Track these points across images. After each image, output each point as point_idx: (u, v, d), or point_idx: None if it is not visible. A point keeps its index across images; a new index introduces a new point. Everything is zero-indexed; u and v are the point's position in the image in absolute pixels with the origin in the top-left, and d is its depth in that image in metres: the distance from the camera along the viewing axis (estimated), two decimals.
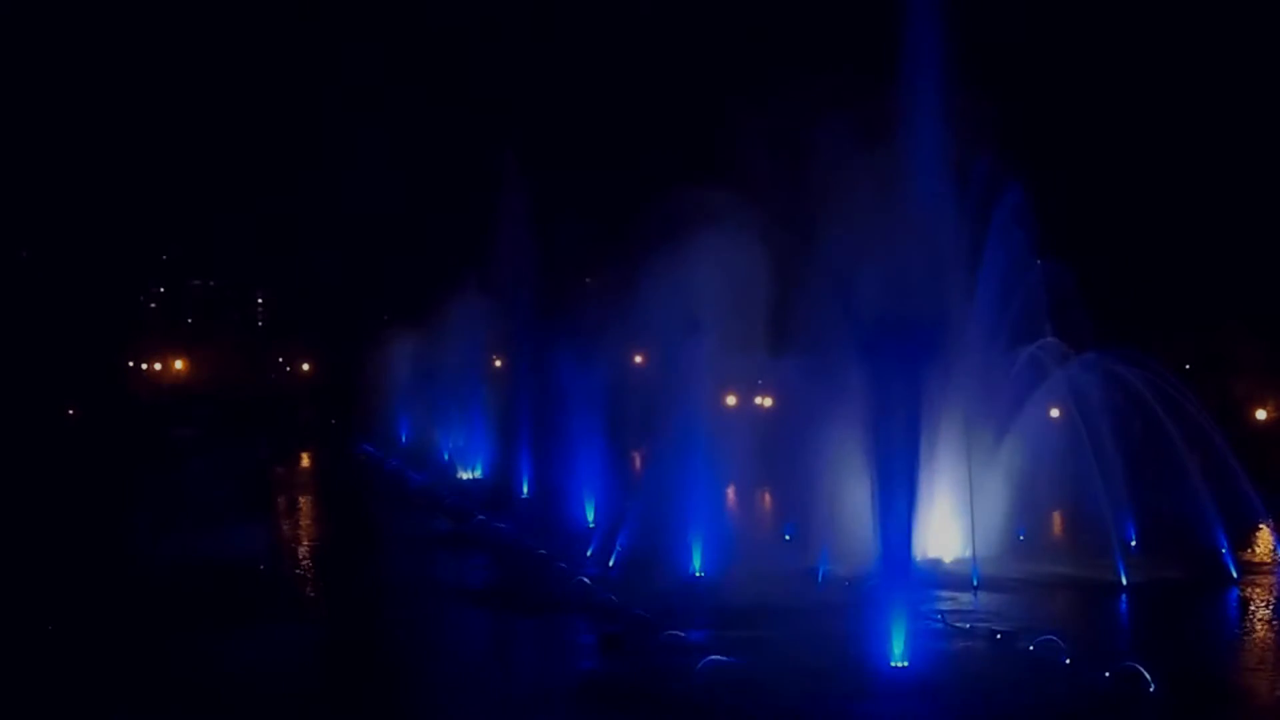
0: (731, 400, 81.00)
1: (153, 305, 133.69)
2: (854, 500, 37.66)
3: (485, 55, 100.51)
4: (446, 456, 78.02)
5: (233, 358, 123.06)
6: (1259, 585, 39.57)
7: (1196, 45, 73.91)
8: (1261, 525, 47.18)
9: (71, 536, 47.96)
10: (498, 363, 79.66)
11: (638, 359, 62.21)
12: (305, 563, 46.17)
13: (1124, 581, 38.21)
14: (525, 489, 61.95)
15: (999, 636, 31.24)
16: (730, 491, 60.29)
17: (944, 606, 35.02)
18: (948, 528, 44.31)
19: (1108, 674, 26.50)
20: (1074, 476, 54.04)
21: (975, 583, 38.63)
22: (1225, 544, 41.99)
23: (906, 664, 27.48)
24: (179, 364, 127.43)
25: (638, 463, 60.31)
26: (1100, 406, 46.20)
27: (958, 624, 33.14)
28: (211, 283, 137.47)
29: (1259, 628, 35.04)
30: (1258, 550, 45.40)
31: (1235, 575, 39.24)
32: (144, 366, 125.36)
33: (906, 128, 42.37)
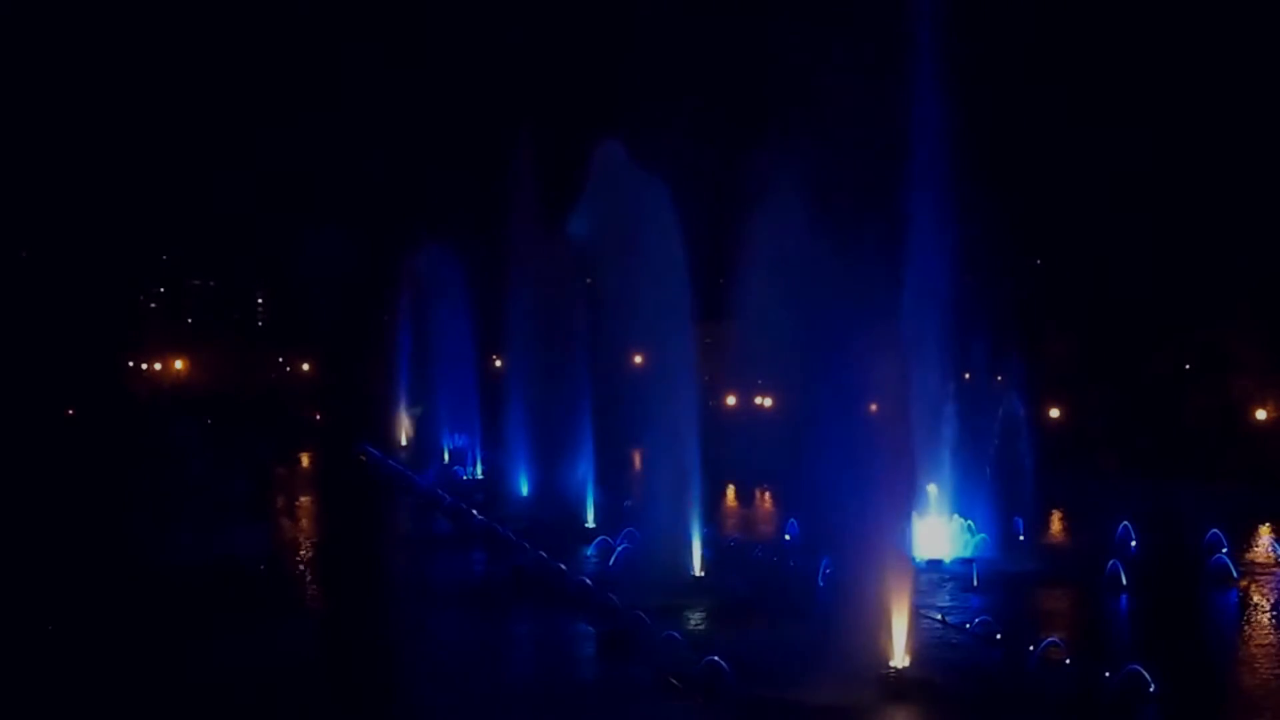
0: (731, 400, 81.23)
1: (153, 305, 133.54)
2: (855, 500, 37.65)
3: (486, 53, 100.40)
4: (447, 457, 78.06)
5: (233, 358, 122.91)
6: (1259, 585, 39.59)
7: (1200, 40, 73.83)
8: (1261, 525, 47.22)
9: (71, 536, 47.92)
10: (498, 363, 79.65)
11: (637, 359, 62.23)
12: (305, 563, 46.18)
13: (1124, 581, 38.23)
14: (525, 489, 61.96)
15: (999, 637, 31.25)
16: (730, 491, 60.43)
17: (944, 607, 35.06)
18: (948, 528, 44.44)
19: (1109, 674, 26.52)
20: (1073, 477, 54.21)
21: (975, 583, 38.66)
22: (1225, 544, 42.05)
23: (906, 665, 27.49)
24: (179, 364, 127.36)
25: (638, 462, 60.33)
26: (1098, 408, 46.34)
27: (958, 624, 33.17)
28: (211, 283, 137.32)
29: (1259, 628, 35.06)
30: (1258, 550, 45.42)
31: (1235, 575, 39.25)
32: (144, 366, 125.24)
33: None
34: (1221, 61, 72.82)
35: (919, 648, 28.18)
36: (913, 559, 40.19)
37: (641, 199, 43.32)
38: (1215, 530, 42.87)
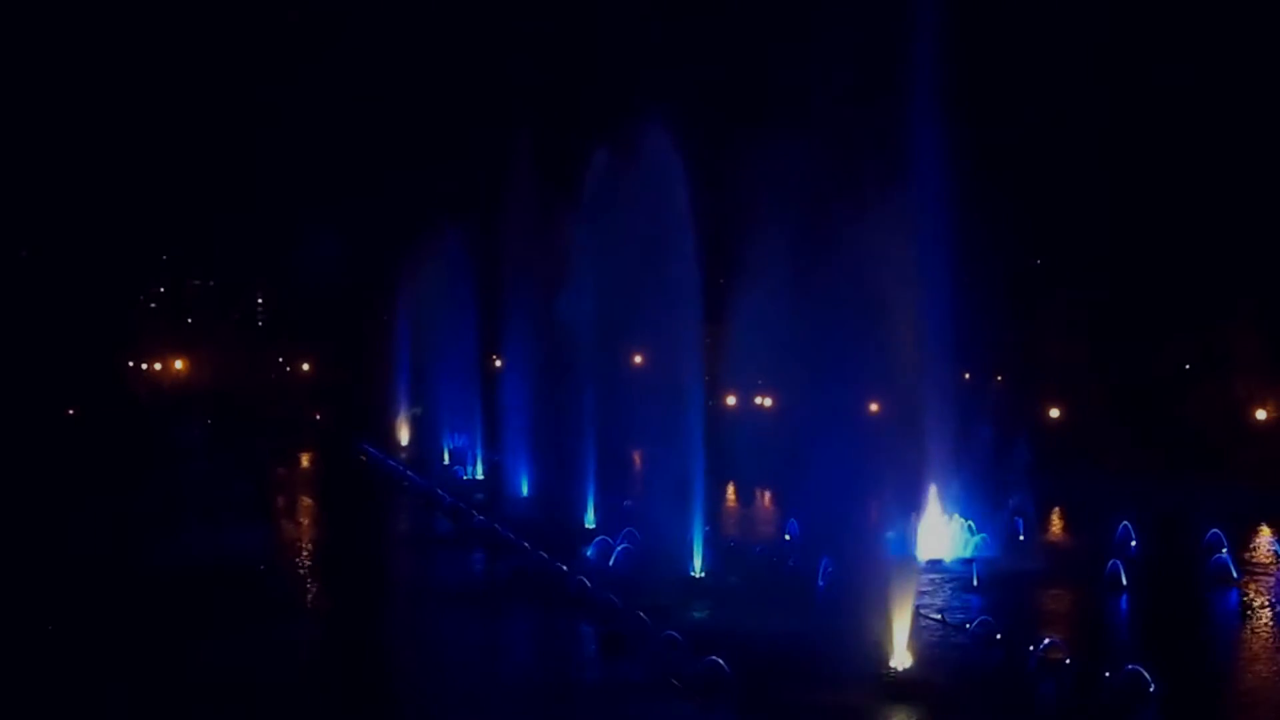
0: (731, 400, 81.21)
1: (153, 305, 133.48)
2: (855, 500, 37.68)
3: (485, 51, 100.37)
4: (447, 457, 78.03)
5: (233, 358, 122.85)
6: (1259, 585, 39.58)
7: (1202, 34, 73.82)
8: (1261, 525, 47.20)
9: (71, 536, 47.95)
10: (498, 363, 79.67)
11: (637, 358, 62.24)
12: (305, 563, 46.18)
13: (1124, 581, 38.23)
14: (525, 489, 61.96)
15: (999, 637, 31.25)
16: (730, 491, 60.40)
17: (944, 607, 35.06)
18: (948, 528, 44.44)
19: (1109, 674, 26.52)
20: (1073, 476, 54.19)
21: (975, 583, 38.67)
22: (1225, 544, 42.03)
23: (907, 665, 27.50)
24: (179, 364, 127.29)
25: (638, 462, 60.35)
26: (1098, 407, 46.37)
27: (958, 624, 33.16)
28: (211, 283, 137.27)
29: (1259, 628, 35.05)
30: (1258, 550, 45.42)
31: (1235, 575, 39.26)
32: (144, 366, 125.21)
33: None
34: (1222, 62, 72.83)
35: (919, 648, 28.21)
36: (913, 559, 40.37)
37: (647, 196, 43.40)
38: (1215, 530, 42.87)
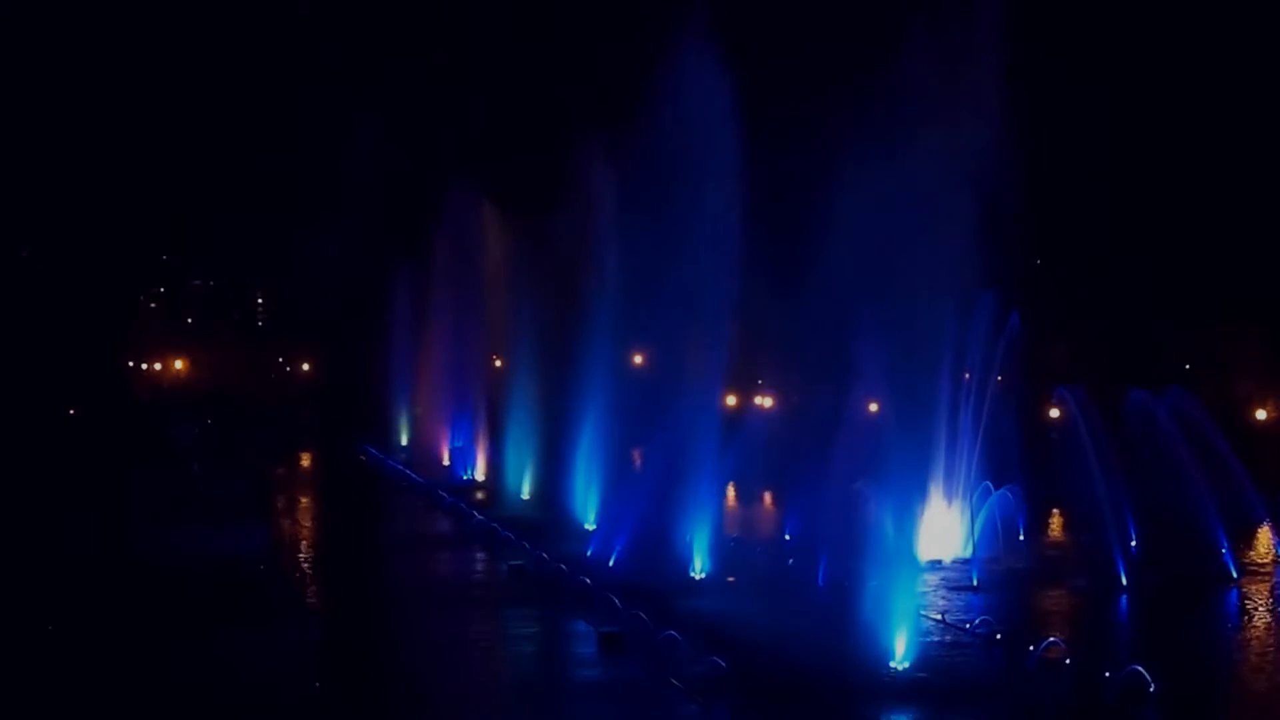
0: (732, 400, 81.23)
1: (153, 305, 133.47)
2: (854, 500, 37.67)
3: (484, 51, 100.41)
4: (447, 457, 78.01)
5: (233, 358, 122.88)
6: (1259, 585, 39.57)
7: (1200, 36, 73.88)
8: (1262, 525, 47.21)
9: (71, 536, 47.93)
10: (498, 363, 79.67)
11: (637, 359, 62.23)
12: (305, 563, 46.18)
13: (1124, 581, 38.24)
14: (525, 489, 61.93)
15: (999, 637, 31.24)
16: (730, 491, 60.39)
17: (944, 607, 35.04)
18: (947, 528, 44.41)
19: (1108, 674, 26.51)
20: (1074, 476, 54.04)
21: (975, 583, 38.66)
22: (1225, 544, 42.02)
23: (907, 665, 27.49)
24: (179, 364, 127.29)
25: (638, 462, 60.36)
26: (1100, 407, 46.35)
27: (958, 624, 33.15)
28: (211, 283, 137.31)
29: (1259, 628, 35.05)
30: (1258, 550, 45.41)
31: (1235, 575, 39.25)
32: (144, 366, 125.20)
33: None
34: (1222, 64, 72.89)
35: (919, 648, 28.20)
36: (913, 559, 40.35)
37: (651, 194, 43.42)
38: (1216, 530, 42.84)
